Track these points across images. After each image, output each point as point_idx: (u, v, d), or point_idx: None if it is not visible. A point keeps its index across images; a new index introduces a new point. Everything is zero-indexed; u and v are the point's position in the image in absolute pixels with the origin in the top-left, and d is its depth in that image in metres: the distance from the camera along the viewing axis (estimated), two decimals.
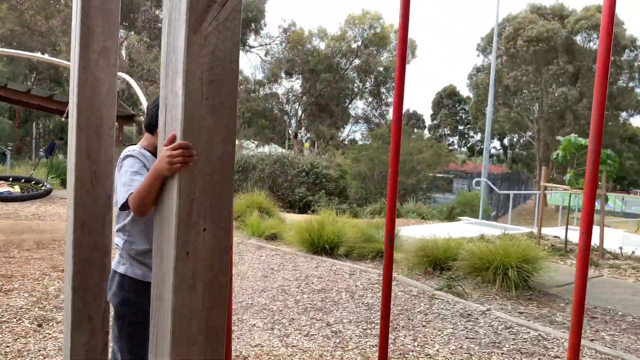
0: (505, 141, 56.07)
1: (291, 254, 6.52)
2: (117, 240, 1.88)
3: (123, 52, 26.03)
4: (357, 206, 13.67)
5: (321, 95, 28.78)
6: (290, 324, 3.97)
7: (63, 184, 12.87)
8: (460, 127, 62.69)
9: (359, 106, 32.18)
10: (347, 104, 31.82)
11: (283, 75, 30.25)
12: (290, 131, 31.37)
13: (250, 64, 49.57)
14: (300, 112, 31.13)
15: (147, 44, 26.42)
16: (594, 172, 1.64)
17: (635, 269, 6.50)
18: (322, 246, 6.55)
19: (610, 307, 4.88)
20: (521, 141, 42.46)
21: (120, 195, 1.67)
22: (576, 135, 7.54)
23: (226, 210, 1.19)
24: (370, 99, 32.02)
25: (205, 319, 1.21)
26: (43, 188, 7.12)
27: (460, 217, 13.16)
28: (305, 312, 4.27)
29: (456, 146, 65.98)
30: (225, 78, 1.20)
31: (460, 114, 60.41)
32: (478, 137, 57.70)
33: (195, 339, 1.20)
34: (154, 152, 1.79)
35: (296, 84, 31.18)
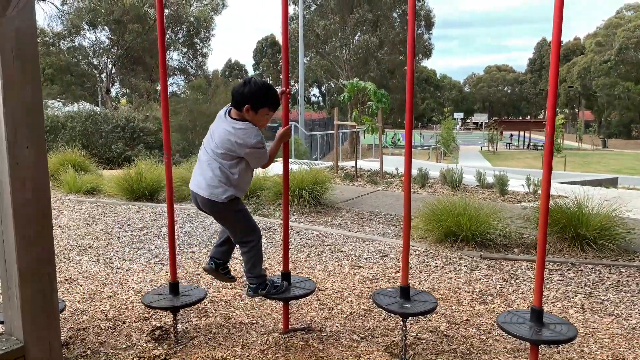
0: (324, 88, 59.60)
1: (112, 203, 6.87)
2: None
3: None
4: (179, 157, 14.02)
5: (132, 47, 27.31)
6: (114, 255, 4.53)
7: None
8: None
9: (174, 57, 31.45)
10: None
11: (86, 26, 27.87)
12: (101, 87, 29.34)
13: (45, 15, 44.07)
14: (110, 66, 29.21)
15: None
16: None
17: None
18: (142, 193, 7.01)
19: (378, 210, 6.37)
20: (335, 87, 45.73)
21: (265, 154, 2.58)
22: (357, 79, 9.00)
23: (40, 134, 1.80)
24: (185, 50, 31.42)
25: (36, 205, 1.83)
26: None
27: (277, 159, 14.41)
28: (129, 245, 4.85)
29: None
30: (28, 44, 1.77)
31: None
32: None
33: (30, 219, 1.82)
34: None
35: (102, 35, 29.05)
